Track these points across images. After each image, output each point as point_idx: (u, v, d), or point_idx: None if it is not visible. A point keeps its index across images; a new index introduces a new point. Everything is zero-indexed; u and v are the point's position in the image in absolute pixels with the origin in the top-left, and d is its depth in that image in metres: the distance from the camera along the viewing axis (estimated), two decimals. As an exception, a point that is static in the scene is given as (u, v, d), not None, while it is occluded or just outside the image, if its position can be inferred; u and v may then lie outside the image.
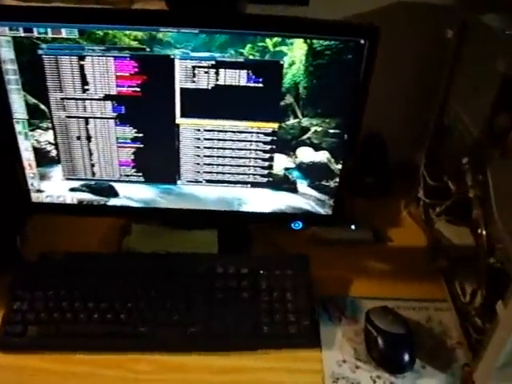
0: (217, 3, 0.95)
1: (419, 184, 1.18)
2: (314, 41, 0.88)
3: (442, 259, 1.09)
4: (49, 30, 0.87)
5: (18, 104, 0.93)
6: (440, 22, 1.05)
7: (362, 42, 0.87)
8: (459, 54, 1.04)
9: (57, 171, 1.00)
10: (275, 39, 0.87)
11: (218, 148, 0.97)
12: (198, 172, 1.00)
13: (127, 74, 0.90)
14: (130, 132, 0.96)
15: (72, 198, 1.03)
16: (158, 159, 0.99)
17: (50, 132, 0.96)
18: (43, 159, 0.99)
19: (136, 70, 0.90)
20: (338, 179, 1.00)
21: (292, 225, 1.05)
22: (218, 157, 0.98)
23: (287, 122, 0.94)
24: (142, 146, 0.97)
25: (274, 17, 0.88)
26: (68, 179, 1.01)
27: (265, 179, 1.01)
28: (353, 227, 1.15)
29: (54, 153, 0.98)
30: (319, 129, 0.95)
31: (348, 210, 1.12)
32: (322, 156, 0.97)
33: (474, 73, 1.00)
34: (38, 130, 0.96)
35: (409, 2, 1.12)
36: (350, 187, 1.08)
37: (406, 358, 0.91)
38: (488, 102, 0.91)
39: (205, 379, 0.89)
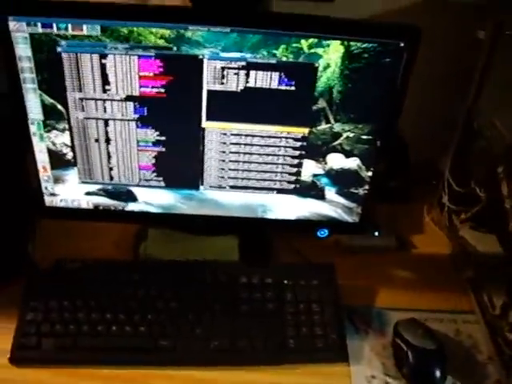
0: (242, 0, 0.90)
1: (443, 189, 1.15)
2: (352, 43, 0.83)
3: (468, 268, 1.06)
4: (69, 26, 0.81)
5: (33, 104, 0.88)
6: (471, 21, 1.01)
7: (402, 44, 0.82)
8: (491, 56, 1.00)
9: (72, 174, 0.95)
10: (311, 40, 0.83)
11: (244, 153, 0.93)
12: (223, 177, 0.95)
13: (151, 74, 0.85)
14: (151, 135, 0.91)
15: (88, 203, 0.98)
16: (180, 164, 0.94)
17: (67, 134, 0.90)
18: (58, 162, 0.93)
19: (161, 70, 0.85)
20: (367, 187, 0.96)
21: (318, 233, 1.01)
22: (244, 162, 0.94)
23: (318, 127, 0.90)
24: (163, 149, 0.92)
25: (311, 17, 0.83)
26: (84, 183, 0.96)
27: (292, 185, 0.96)
28: (376, 234, 1.11)
29: (70, 155, 0.93)
30: (351, 135, 0.90)
31: (371, 217, 1.08)
32: (353, 163, 0.93)
33: (508, 76, 0.96)
34: (54, 132, 0.90)
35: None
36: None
37: (438, 374, 0.87)
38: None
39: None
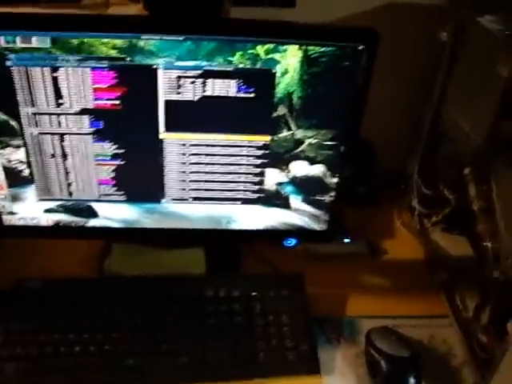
0: (199, 6, 0.88)
1: (412, 193, 1.13)
2: (310, 47, 0.81)
3: (440, 272, 1.05)
4: (17, 38, 0.79)
5: (-16, 120, 0.85)
6: (432, 23, 1.00)
7: (361, 47, 0.81)
8: (455, 58, 0.99)
9: (30, 192, 0.92)
10: (267, 46, 0.81)
11: (205, 163, 0.91)
12: (184, 189, 0.93)
13: (105, 86, 0.83)
14: (109, 148, 0.88)
15: (47, 220, 0.95)
16: (140, 177, 0.91)
17: (22, 150, 0.88)
18: (15, 179, 0.91)
19: (115, 81, 0.82)
20: (333, 193, 0.94)
21: (285, 242, 0.99)
22: (205, 173, 0.92)
23: (280, 135, 0.88)
24: (122, 163, 0.90)
25: (267, 22, 0.81)
26: (42, 200, 0.93)
27: (256, 195, 0.94)
28: (346, 240, 1.09)
29: (26, 172, 0.90)
30: (314, 141, 0.88)
31: (340, 223, 1.06)
32: (317, 170, 0.91)
33: (473, 77, 0.94)
34: (8, 148, 0.88)
35: (400, 2, 1.06)
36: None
37: (412, 382, 0.85)
38: (491, 108, 0.86)
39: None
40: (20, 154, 0.88)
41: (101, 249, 1.05)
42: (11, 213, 0.94)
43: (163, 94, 0.84)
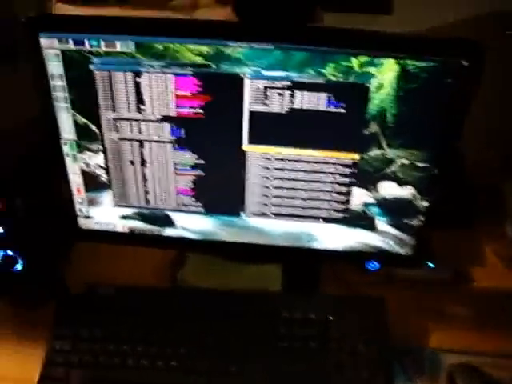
0: (291, 13, 0.83)
1: (506, 218, 1.05)
2: (408, 61, 0.74)
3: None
4: (102, 42, 0.76)
5: (66, 123, 0.83)
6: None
7: (465, 63, 0.74)
8: None
9: (107, 197, 0.90)
10: (363, 58, 0.75)
11: (289, 179, 0.86)
12: (266, 204, 0.88)
13: (189, 94, 0.79)
14: (189, 158, 0.85)
15: (123, 226, 0.93)
16: (220, 189, 0.87)
17: (101, 155, 0.85)
18: (92, 184, 0.89)
19: (199, 89, 0.78)
20: (422, 218, 0.87)
21: (367, 265, 0.93)
22: (288, 189, 0.86)
23: (370, 153, 0.82)
24: (203, 173, 0.86)
25: (362, 32, 0.75)
26: (119, 206, 0.91)
27: (340, 214, 0.88)
28: (431, 265, 1.02)
29: (104, 177, 0.88)
30: (406, 162, 0.82)
31: (426, 247, 0.99)
32: (407, 192, 0.85)
33: None
34: (88, 153, 0.86)
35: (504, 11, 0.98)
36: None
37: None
38: None
39: None
40: (99, 159, 0.86)
41: (175, 258, 1.02)
42: (87, 217, 0.92)
43: (249, 105, 0.79)
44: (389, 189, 0.85)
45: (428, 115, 0.78)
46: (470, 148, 0.96)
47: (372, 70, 0.75)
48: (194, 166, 0.85)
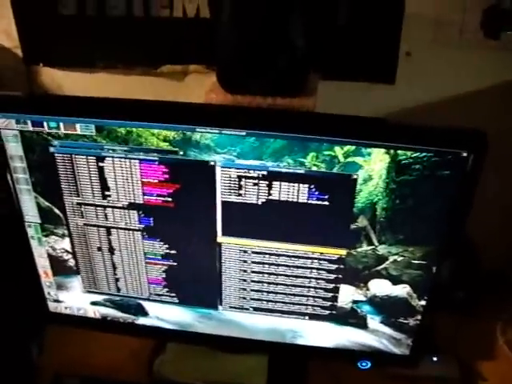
0: (283, 75, 0.74)
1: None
2: (400, 152, 0.65)
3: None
4: (61, 124, 0.69)
5: (28, 206, 0.77)
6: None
7: (465, 154, 0.64)
8: None
9: (76, 282, 0.83)
10: (347, 147, 0.65)
11: (269, 273, 0.77)
12: (244, 298, 0.80)
13: (156, 181, 0.71)
14: (160, 247, 0.77)
15: (94, 312, 0.86)
16: (195, 280, 0.79)
17: (67, 239, 0.79)
18: (60, 268, 0.82)
19: (167, 176, 0.71)
20: (419, 317, 0.77)
21: (359, 364, 0.83)
22: (268, 283, 0.78)
23: (358, 249, 0.72)
24: (175, 264, 0.78)
25: (346, 118, 0.66)
26: (89, 292, 0.83)
27: (327, 312, 0.79)
28: (434, 359, 0.90)
29: (72, 262, 0.81)
30: (400, 259, 0.72)
31: (428, 338, 0.87)
32: (402, 290, 0.75)
33: None
34: (53, 237, 0.79)
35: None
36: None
37: None
38: None
39: None
40: (65, 244, 0.79)
41: (154, 345, 0.93)
42: (57, 300, 0.85)
43: (221, 195, 0.71)
44: (381, 287, 0.75)
45: (424, 209, 0.69)
46: (479, 234, 0.86)
47: (358, 160, 0.66)
48: (165, 256, 0.78)
